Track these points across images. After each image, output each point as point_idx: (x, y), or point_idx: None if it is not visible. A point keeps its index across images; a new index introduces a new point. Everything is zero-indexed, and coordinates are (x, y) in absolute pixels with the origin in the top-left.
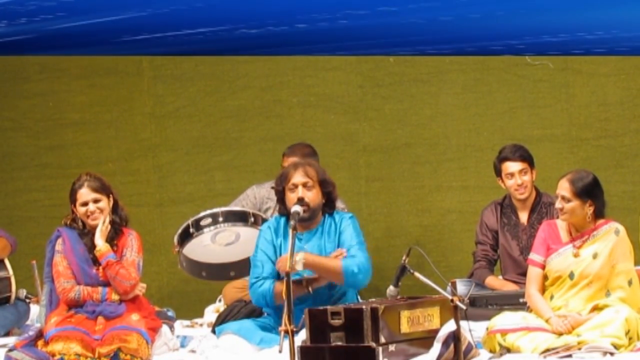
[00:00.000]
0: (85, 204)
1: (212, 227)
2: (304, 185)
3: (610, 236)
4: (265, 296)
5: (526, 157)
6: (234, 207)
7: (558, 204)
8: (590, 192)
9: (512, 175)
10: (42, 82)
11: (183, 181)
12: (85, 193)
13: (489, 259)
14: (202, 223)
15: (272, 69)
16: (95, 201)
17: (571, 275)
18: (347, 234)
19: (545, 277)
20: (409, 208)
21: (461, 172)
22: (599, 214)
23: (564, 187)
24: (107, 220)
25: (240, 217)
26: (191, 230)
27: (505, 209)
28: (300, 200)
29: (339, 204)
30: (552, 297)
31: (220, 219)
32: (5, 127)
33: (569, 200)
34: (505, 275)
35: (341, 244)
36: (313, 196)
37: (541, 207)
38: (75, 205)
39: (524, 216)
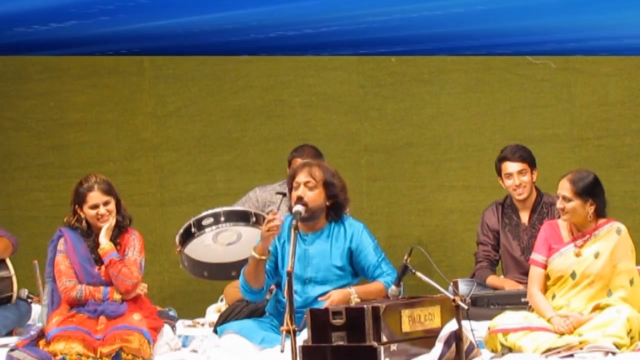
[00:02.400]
0: (95, 206)
1: (213, 227)
2: (306, 184)
3: (611, 235)
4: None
5: (526, 158)
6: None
7: (559, 204)
8: (590, 191)
9: (510, 175)
10: (43, 82)
11: (184, 181)
12: (96, 196)
13: (490, 260)
14: (204, 223)
15: (274, 69)
16: (106, 203)
17: (573, 275)
18: (368, 251)
19: (547, 277)
20: (410, 208)
21: (463, 172)
22: (600, 213)
23: (564, 187)
24: (113, 220)
25: (242, 217)
26: (193, 230)
27: (507, 209)
28: (300, 199)
29: None
30: (554, 297)
31: (222, 218)
32: (7, 127)
33: (569, 200)
34: (507, 275)
35: (364, 262)
36: (314, 196)
37: (542, 208)
38: (81, 207)
39: (525, 216)
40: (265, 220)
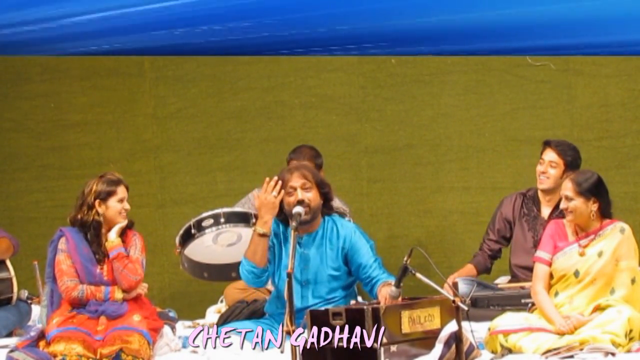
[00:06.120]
0: (122, 200)
1: (213, 228)
2: (302, 187)
3: (615, 235)
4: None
5: (565, 156)
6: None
7: (563, 204)
8: (592, 190)
9: (543, 161)
10: (43, 83)
11: (185, 182)
12: (123, 190)
13: (490, 253)
14: (204, 224)
15: (274, 70)
16: (126, 200)
17: (576, 273)
18: (364, 250)
19: (550, 276)
20: (410, 209)
21: (463, 173)
22: (604, 213)
23: (567, 187)
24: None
25: (242, 218)
26: (193, 231)
27: (528, 200)
28: (301, 202)
29: (340, 205)
30: (556, 294)
31: (222, 219)
32: (7, 128)
33: (571, 199)
34: (512, 262)
35: (359, 260)
36: (312, 197)
37: None
38: (105, 201)
39: (546, 210)
40: (265, 187)
